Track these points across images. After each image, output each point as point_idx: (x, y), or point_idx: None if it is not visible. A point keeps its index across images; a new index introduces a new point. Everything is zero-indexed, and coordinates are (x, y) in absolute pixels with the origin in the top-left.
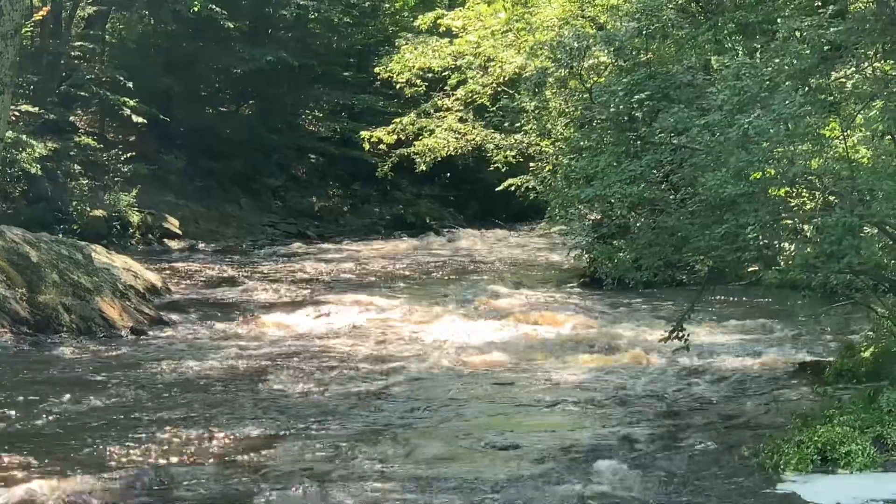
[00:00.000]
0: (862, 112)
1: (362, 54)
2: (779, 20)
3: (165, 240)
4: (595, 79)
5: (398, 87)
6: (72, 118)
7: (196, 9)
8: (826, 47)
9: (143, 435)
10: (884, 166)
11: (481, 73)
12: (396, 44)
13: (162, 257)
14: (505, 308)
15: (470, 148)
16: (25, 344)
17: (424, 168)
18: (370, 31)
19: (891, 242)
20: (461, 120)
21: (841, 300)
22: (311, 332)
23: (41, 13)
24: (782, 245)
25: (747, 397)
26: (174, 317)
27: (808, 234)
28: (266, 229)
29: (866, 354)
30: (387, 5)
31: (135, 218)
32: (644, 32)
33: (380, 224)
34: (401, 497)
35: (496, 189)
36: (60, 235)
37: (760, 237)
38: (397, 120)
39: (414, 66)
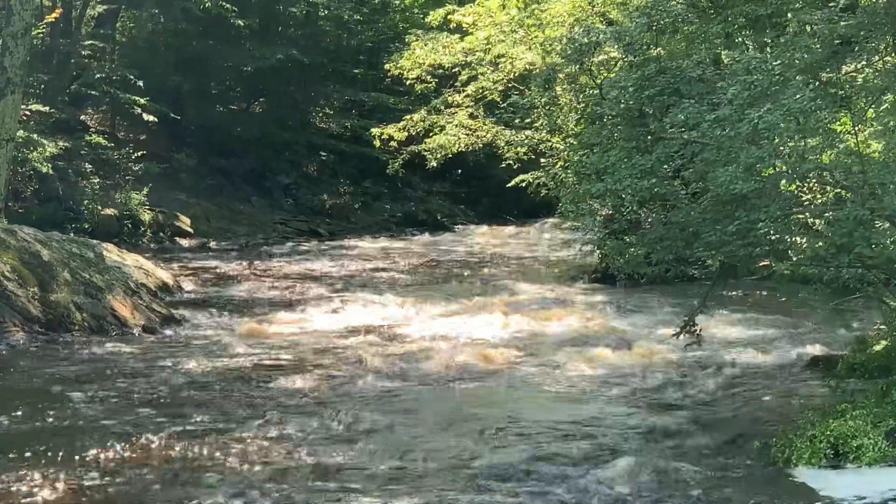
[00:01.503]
0: (873, 106)
1: (372, 51)
2: (789, 14)
3: (177, 238)
4: (605, 74)
5: (408, 83)
6: (82, 117)
7: (206, 6)
8: (837, 41)
9: (155, 433)
10: (895, 160)
11: (492, 69)
12: (407, 40)
13: (173, 255)
14: (516, 304)
15: (481, 144)
16: (37, 342)
17: (435, 165)
18: (380, 28)
19: None
20: (472, 116)
21: (853, 294)
22: (323, 329)
23: (53, 15)
24: (794, 239)
25: (759, 392)
26: (186, 315)
27: (819, 228)
28: (277, 227)
29: (879, 348)
30: (397, 2)
31: (146, 216)
32: (654, 27)
33: (391, 221)
34: (409, 495)
35: (507, 185)
36: (72, 234)
37: (772, 232)
38: (408, 117)
39: (424, 63)
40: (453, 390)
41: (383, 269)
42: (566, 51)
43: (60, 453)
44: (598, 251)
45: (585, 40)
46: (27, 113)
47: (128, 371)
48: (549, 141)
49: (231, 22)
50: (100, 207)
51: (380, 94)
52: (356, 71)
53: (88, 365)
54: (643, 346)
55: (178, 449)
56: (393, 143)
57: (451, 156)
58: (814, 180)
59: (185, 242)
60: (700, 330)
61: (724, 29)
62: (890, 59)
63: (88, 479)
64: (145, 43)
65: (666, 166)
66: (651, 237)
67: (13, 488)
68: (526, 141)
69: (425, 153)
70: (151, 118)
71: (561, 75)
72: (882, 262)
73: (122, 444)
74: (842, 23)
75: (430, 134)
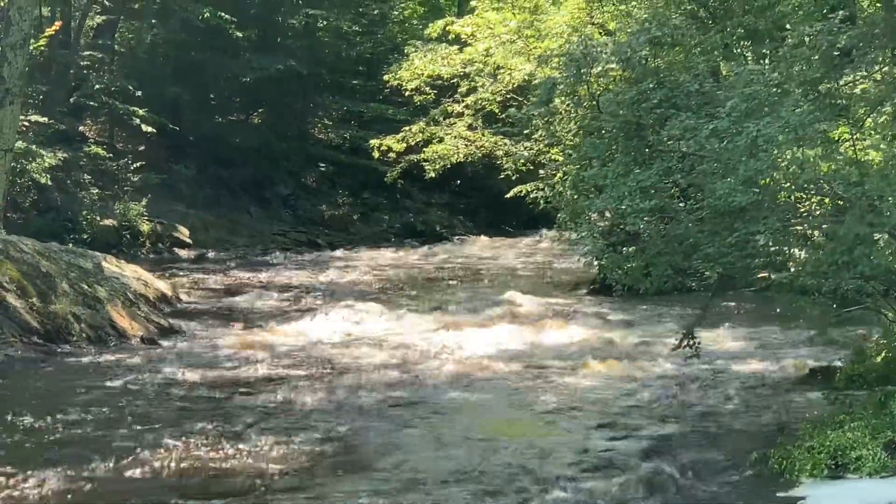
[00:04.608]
0: (871, 116)
1: (371, 62)
2: (788, 26)
3: (175, 249)
4: (604, 85)
5: (407, 94)
6: (81, 128)
7: (205, 17)
8: (836, 53)
9: (153, 444)
10: (894, 171)
11: (491, 80)
12: (405, 52)
13: (172, 266)
14: (515, 315)
15: (479, 155)
16: (36, 353)
17: (434, 175)
18: (379, 40)
19: None
20: (470, 127)
21: (852, 306)
22: (322, 340)
23: (53, 28)
24: (792, 251)
25: (758, 403)
26: (185, 325)
27: (817, 239)
28: (276, 238)
29: (877, 359)
30: (395, 13)
31: (145, 227)
32: (653, 41)
33: (390, 232)
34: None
35: (506, 196)
36: (70, 245)
37: (770, 243)
38: (406, 128)
39: (423, 74)
40: (451, 401)
41: (381, 280)
42: (563, 62)
43: (58, 464)
44: (596, 262)
45: (580, 53)
46: (26, 123)
47: (126, 382)
48: (548, 152)
49: (230, 33)
50: (98, 218)
51: (378, 105)
52: (355, 82)
53: (86, 376)
54: (641, 358)
55: (175, 460)
56: (392, 155)
57: (449, 166)
58: (812, 191)
59: (183, 253)
60: (699, 342)
61: (723, 40)
62: (888, 69)
63: (86, 489)
64: (144, 54)
65: (666, 180)
66: (650, 252)
67: (11, 499)
68: (524, 152)
69: (424, 163)
70: (150, 129)
71: (560, 86)
72: (881, 274)
73: (120, 454)
74: (841, 35)
75: (429, 145)
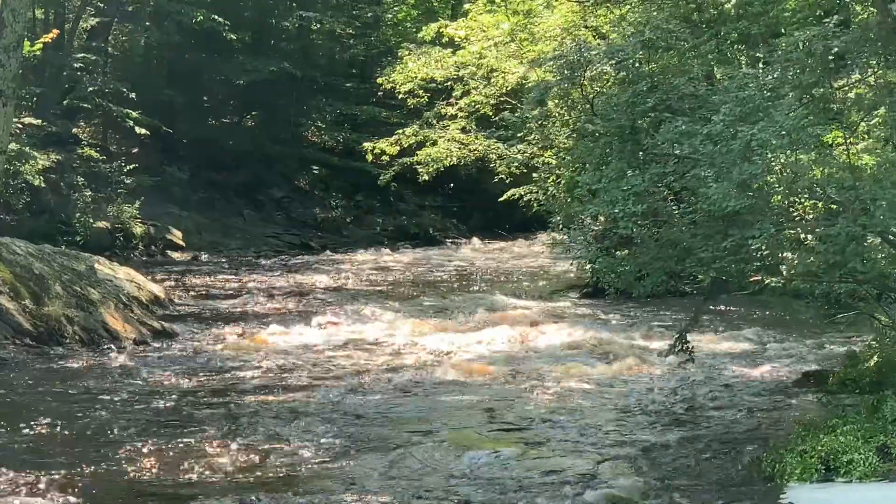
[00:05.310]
0: (865, 120)
1: (365, 65)
2: (782, 30)
3: (169, 251)
4: (598, 88)
5: (401, 97)
6: (75, 130)
7: (199, 20)
8: (830, 57)
9: (145, 446)
10: (887, 175)
11: (484, 83)
12: (399, 54)
13: (165, 269)
14: (507, 318)
15: (473, 158)
16: (28, 355)
17: (427, 178)
18: (373, 42)
19: (894, 252)
20: (464, 130)
21: (845, 310)
22: (315, 343)
23: (49, 36)
24: (785, 255)
25: (750, 407)
26: (177, 328)
27: (810, 243)
28: (269, 240)
29: (870, 364)
30: (389, 16)
31: (138, 229)
32: (648, 45)
33: (383, 235)
34: None
35: (499, 200)
36: (64, 247)
37: (763, 248)
38: (400, 131)
39: (417, 77)
40: (441, 406)
41: (374, 283)
42: (557, 65)
43: (49, 465)
44: (589, 266)
45: (574, 55)
46: (19, 126)
47: (118, 384)
48: (542, 156)
49: (224, 35)
50: (92, 220)
51: (372, 108)
52: (348, 84)
53: (79, 378)
54: (634, 361)
55: (166, 462)
56: (385, 158)
57: (443, 169)
58: (806, 195)
59: (176, 256)
60: (692, 346)
61: (717, 45)
62: (882, 74)
63: (77, 490)
64: (138, 56)
65: (660, 184)
66: (644, 256)
67: (1, 499)
68: (518, 156)
69: (417, 166)
70: (144, 131)
71: (554, 89)
72: (873, 277)
73: (112, 456)
74: (836, 39)
75: (423, 148)
